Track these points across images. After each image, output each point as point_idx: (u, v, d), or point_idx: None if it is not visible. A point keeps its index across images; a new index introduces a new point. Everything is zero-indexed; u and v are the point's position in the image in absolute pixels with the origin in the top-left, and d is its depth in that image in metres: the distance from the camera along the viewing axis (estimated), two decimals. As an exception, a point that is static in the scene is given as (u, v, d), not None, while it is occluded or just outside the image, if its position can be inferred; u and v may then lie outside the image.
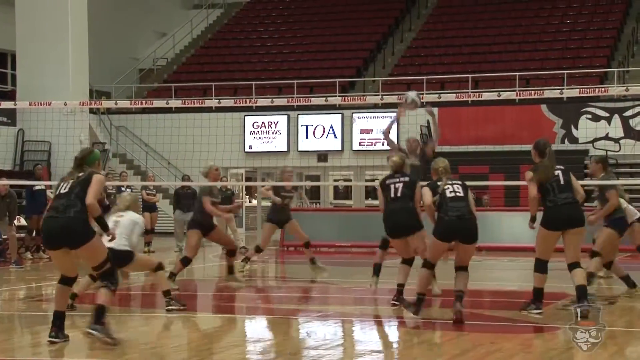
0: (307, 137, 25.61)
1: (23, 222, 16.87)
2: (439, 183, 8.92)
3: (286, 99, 14.07)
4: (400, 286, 9.50)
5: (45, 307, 10.50)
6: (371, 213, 20.68)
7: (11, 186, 15.66)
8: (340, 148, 25.20)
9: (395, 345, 8.06)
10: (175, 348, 7.73)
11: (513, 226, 18.11)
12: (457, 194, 8.80)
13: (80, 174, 7.50)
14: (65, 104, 14.17)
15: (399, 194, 9.41)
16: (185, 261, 11.13)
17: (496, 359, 6.95)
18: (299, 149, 25.50)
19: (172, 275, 11.00)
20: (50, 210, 7.51)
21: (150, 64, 31.50)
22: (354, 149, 24.98)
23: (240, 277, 12.05)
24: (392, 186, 9.47)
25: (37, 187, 16.52)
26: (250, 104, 14.59)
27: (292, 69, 28.44)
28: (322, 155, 25.40)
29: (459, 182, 8.99)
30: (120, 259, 8.83)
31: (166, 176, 25.03)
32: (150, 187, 19.44)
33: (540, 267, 8.90)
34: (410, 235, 9.45)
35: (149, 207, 18.77)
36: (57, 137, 22.59)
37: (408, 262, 9.62)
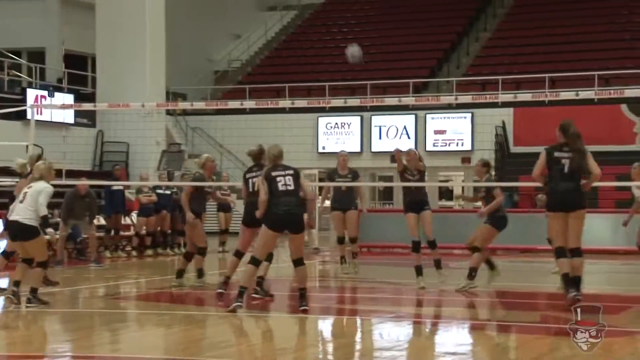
0: (380, 138, 25.55)
1: (102, 221, 17.21)
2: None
3: (359, 100, 14.04)
4: None
5: (123, 305, 10.71)
6: (445, 214, 20.55)
7: (91, 186, 16.00)
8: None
9: (468, 347, 7.98)
10: (250, 347, 7.79)
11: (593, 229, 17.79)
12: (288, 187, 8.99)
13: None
14: (143, 105, 14.46)
15: None
16: None
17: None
18: (372, 150, 25.46)
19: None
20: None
21: (225, 65, 31.86)
22: (427, 149, 24.82)
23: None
24: None
25: (115, 187, 16.85)
26: (324, 105, 14.66)
27: (365, 69, 28.31)
28: (395, 156, 25.28)
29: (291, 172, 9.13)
30: (25, 232, 9.01)
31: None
32: (224, 187, 19.57)
33: None
34: None
35: (223, 207, 18.80)
36: (135, 138, 23.02)
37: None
